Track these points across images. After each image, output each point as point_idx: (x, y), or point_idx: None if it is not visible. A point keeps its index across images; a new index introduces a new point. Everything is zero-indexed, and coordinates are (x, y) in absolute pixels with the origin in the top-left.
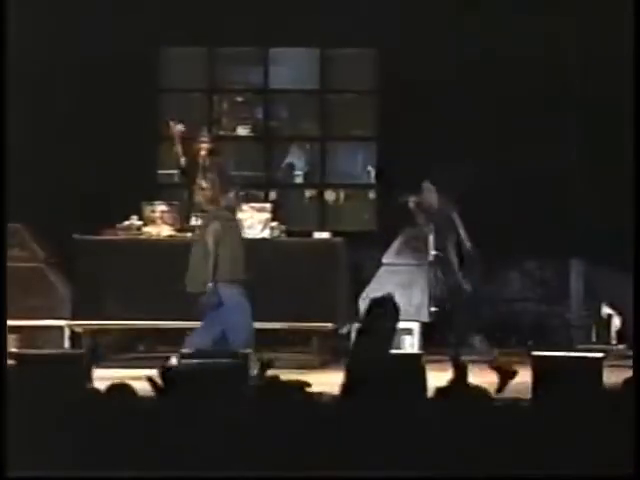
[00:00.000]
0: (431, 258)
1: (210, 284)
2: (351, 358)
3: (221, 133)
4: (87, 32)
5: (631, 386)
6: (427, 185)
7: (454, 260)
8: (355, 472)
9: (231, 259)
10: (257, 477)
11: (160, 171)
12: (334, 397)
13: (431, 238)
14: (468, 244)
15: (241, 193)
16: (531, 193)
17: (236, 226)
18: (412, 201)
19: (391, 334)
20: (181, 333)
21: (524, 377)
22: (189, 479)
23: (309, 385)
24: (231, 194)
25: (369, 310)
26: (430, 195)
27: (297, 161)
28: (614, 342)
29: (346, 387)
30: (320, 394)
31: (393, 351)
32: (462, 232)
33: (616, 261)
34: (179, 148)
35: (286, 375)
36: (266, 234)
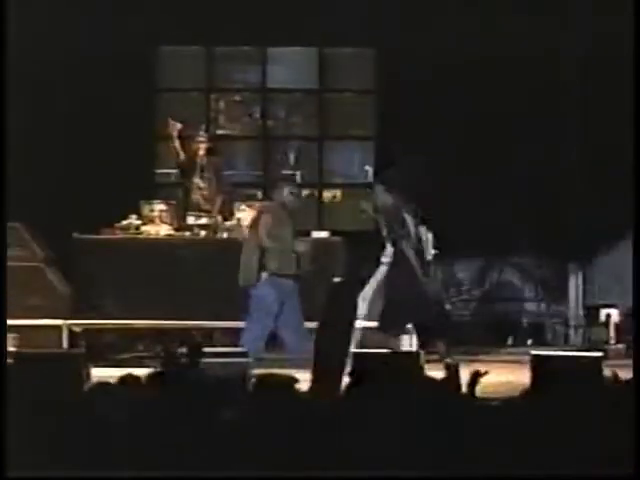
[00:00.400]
0: (430, 257)
1: (264, 275)
2: (316, 354)
3: (219, 132)
4: (86, 31)
5: (631, 386)
6: (378, 187)
7: (413, 260)
8: (352, 472)
9: (280, 253)
10: (257, 477)
11: (158, 170)
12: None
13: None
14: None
15: (293, 190)
16: (531, 193)
17: (288, 221)
18: (367, 208)
19: (350, 327)
20: (182, 332)
21: (523, 377)
22: (189, 479)
23: (297, 381)
24: (285, 190)
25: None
26: (383, 196)
27: (295, 160)
28: (612, 342)
29: (315, 383)
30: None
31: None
32: (413, 230)
33: (616, 261)
34: (177, 145)
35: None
36: None
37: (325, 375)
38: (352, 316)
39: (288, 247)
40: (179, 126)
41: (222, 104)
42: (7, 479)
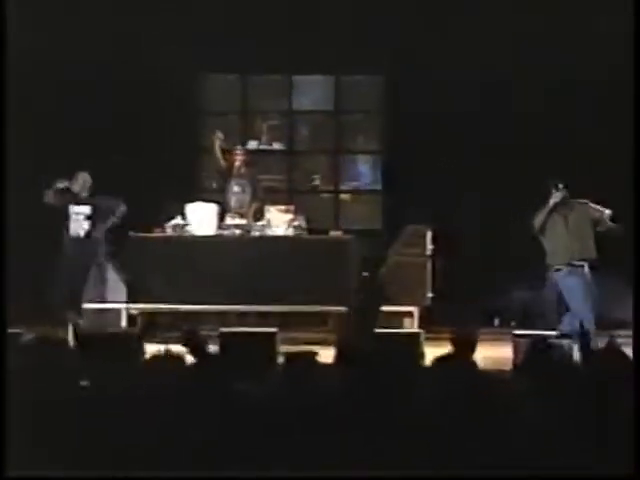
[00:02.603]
0: (428, 252)
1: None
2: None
3: (252, 147)
4: (145, 62)
5: (631, 385)
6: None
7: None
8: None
9: (565, 242)
10: (257, 478)
11: (201, 176)
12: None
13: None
14: None
15: (560, 185)
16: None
17: (578, 209)
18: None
19: (377, 313)
20: (221, 315)
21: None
22: (189, 479)
23: (317, 354)
24: (556, 193)
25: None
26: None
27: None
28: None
29: (339, 358)
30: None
31: (397, 330)
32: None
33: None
34: (218, 152)
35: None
36: (290, 232)
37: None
38: (377, 304)
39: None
40: (221, 136)
41: (265, 126)
42: (7, 479)
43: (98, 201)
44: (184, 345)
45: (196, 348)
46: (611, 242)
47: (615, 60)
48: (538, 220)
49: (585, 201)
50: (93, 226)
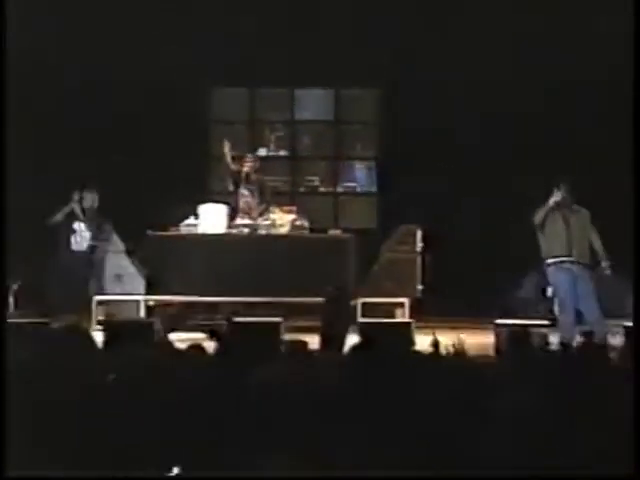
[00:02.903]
0: (419, 249)
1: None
2: (323, 322)
3: (261, 154)
4: (165, 78)
5: (630, 385)
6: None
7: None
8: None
9: (562, 240)
10: (256, 478)
11: (212, 181)
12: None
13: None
14: None
15: (562, 186)
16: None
17: (579, 214)
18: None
19: (349, 304)
20: (233, 306)
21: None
22: (190, 479)
23: (307, 343)
24: (557, 193)
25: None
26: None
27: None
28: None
29: (324, 344)
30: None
31: (389, 319)
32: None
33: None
34: (229, 159)
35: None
36: (293, 231)
37: (330, 339)
38: (347, 297)
39: (567, 235)
40: (229, 143)
41: (272, 137)
42: (7, 479)
43: (102, 222)
44: (212, 335)
45: (224, 337)
46: (611, 242)
47: (615, 60)
48: (538, 216)
49: (587, 212)
50: (95, 243)
